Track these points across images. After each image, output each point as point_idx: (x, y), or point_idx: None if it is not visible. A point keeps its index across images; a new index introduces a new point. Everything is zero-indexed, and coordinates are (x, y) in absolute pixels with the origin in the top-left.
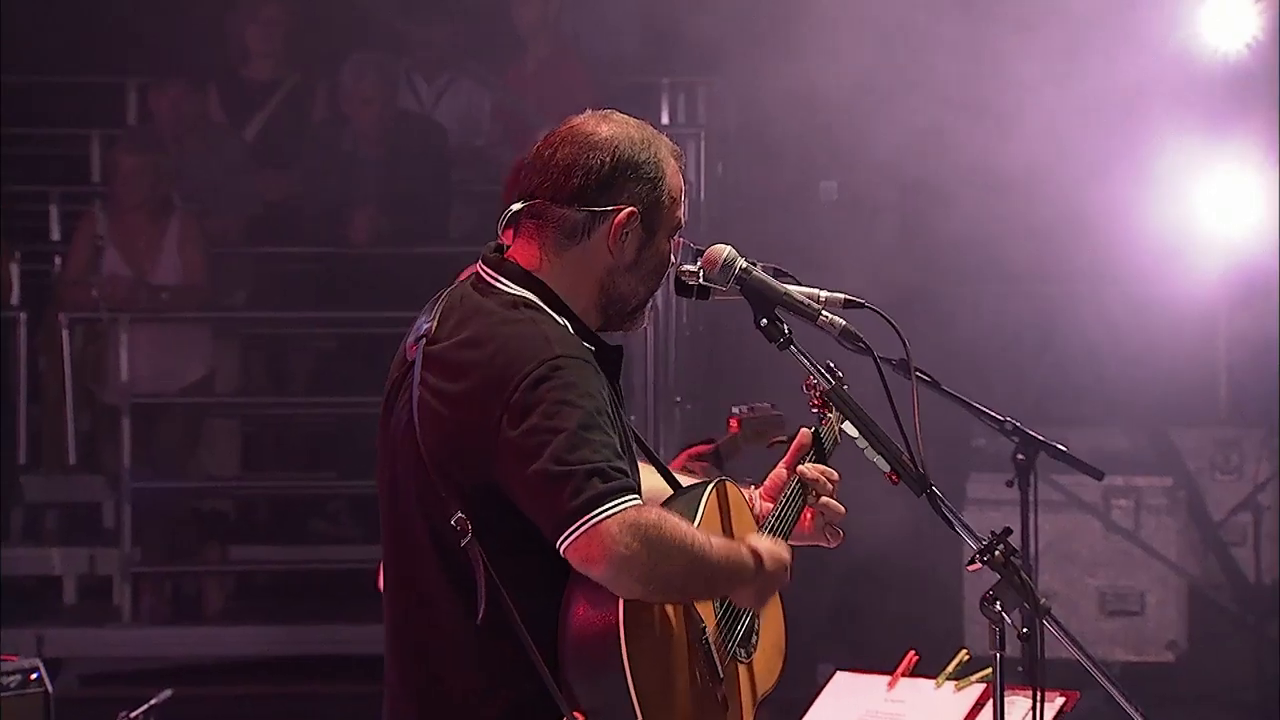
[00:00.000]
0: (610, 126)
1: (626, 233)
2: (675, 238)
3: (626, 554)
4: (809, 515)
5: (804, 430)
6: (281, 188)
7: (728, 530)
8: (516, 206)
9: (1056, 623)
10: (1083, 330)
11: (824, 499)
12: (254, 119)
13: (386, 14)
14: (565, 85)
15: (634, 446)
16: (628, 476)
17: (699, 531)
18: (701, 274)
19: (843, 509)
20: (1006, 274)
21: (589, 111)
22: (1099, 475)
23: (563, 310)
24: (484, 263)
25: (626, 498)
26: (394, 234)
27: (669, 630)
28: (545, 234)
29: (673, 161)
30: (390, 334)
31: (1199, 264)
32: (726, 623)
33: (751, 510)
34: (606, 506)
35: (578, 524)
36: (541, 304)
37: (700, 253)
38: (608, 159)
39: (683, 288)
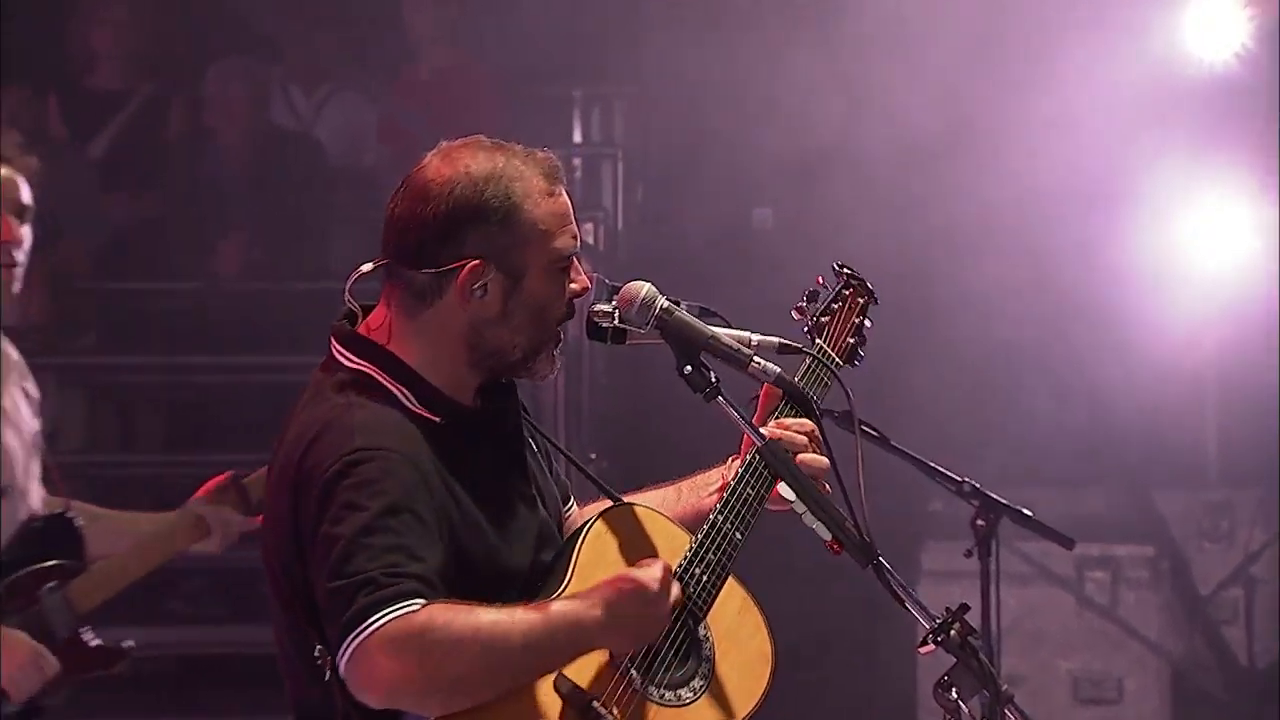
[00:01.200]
0: (451, 166)
1: (479, 286)
2: (571, 266)
3: (389, 675)
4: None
5: (766, 385)
6: (135, 213)
7: (626, 558)
8: (365, 267)
9: (1021, 712)
10: (1052, 377)
11: (800, 456)
12: (101, 134)
13: (257, 15)
14: (464, 98)
15: (540, 510)
16: (409, 578)
17: (500, 611)
18: (617, 314)
19: (825, 461)
20: (967, 317)
21: (443, 145)
22: (1070, 544)
23: (410, 380)
24: (331, 334)
25: (396, 607)
26: (266, 267)
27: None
28: (395, 298)
29: (540, 184)
30: (262, 382)
31: (1184, 302)
32: (644, 668)
33: (703, 504)
34: (368, 623)
35: (342, 648)
36: (381, 379)
37: (615, 290)
38: (442, 208)
39: (595, 330)
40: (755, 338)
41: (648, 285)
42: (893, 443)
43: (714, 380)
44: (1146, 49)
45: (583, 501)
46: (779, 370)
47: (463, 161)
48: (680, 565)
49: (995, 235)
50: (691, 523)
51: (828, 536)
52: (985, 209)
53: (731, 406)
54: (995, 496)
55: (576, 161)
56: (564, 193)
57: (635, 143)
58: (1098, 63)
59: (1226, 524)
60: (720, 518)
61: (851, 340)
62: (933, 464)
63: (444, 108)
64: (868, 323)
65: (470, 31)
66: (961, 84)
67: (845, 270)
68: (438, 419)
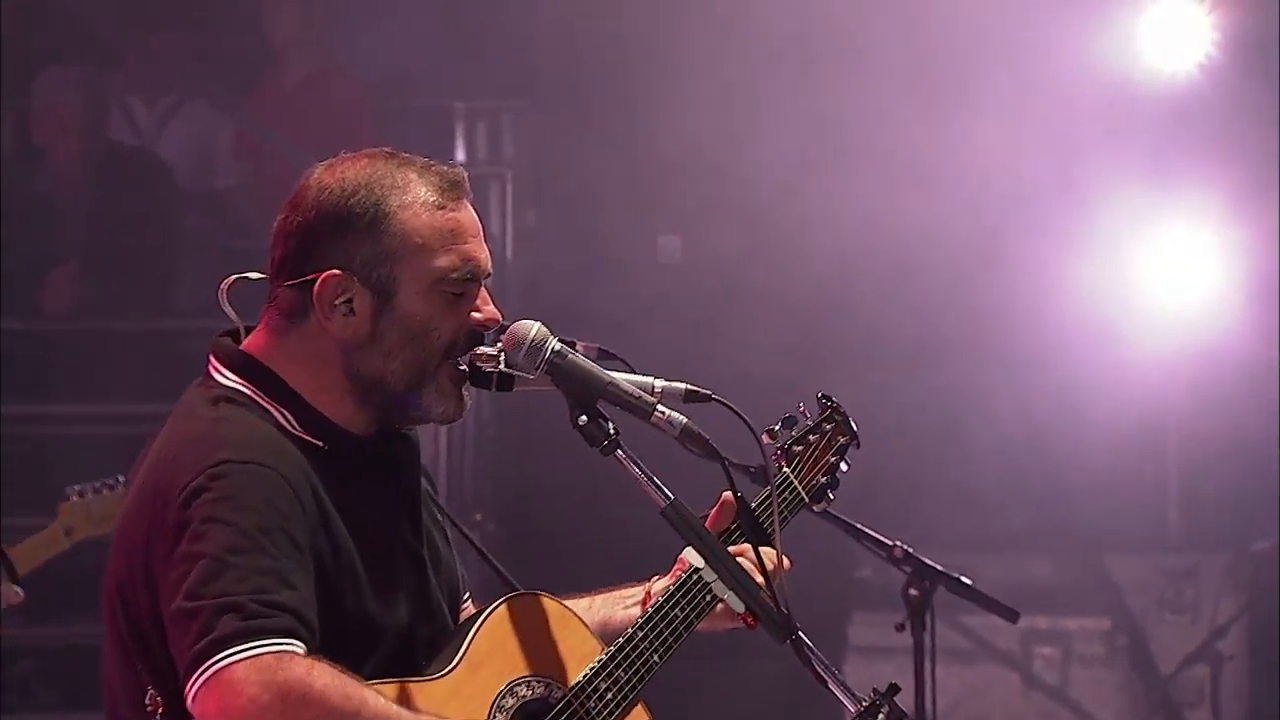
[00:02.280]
0: (329, 174)
1: (342, 301)
2: (468, 291)
3: (251, 706)
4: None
5: (727, 494)
6: None
7: (526, 655)
8: (253, 276)
9: None
10: (995, 429)
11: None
12: None
13: (90, 15)
14: (332, 111)
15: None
16: (284, 612)
17: (371, 694)
18: (503, 357)
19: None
20: (896, 359)
21: (341, 155)
22: (1014, 616)
23: (290, 400)
24: (210, 349)
25: (268, 640)
26: (102, 303)
27: None
28: (269, 316)
29: (427, 195)
30: (97, 435)
31: (1143, 343)
32: None
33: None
34: (239, 648)
35: (199, 671)
36: (257, 397)
37: (502, 329)
38: (305, 217)
39: (479, 376)
40: (659, 384)
41: (538, 324)
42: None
43: (613, 432)
44: (1098, 60)
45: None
46: (685, 421)
47: (342, 169)
48: (584, 676)
49: (927, 269)
50: (601, 638)
51: (741, 608)
52: (917, 241)
53: (633, 461)
54: (930, 562)
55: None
56: (465, 209)
57: (526, 161)
58: (1043, 77)
59: (1190, 593)
60: (639, 634)
61: (823, 479)
62: (859, 525)
63: (310, 121)
64: (844, 466)
65: (339, 35)
66: (893, 105)
67: (830, 403)
68: (320, 443)
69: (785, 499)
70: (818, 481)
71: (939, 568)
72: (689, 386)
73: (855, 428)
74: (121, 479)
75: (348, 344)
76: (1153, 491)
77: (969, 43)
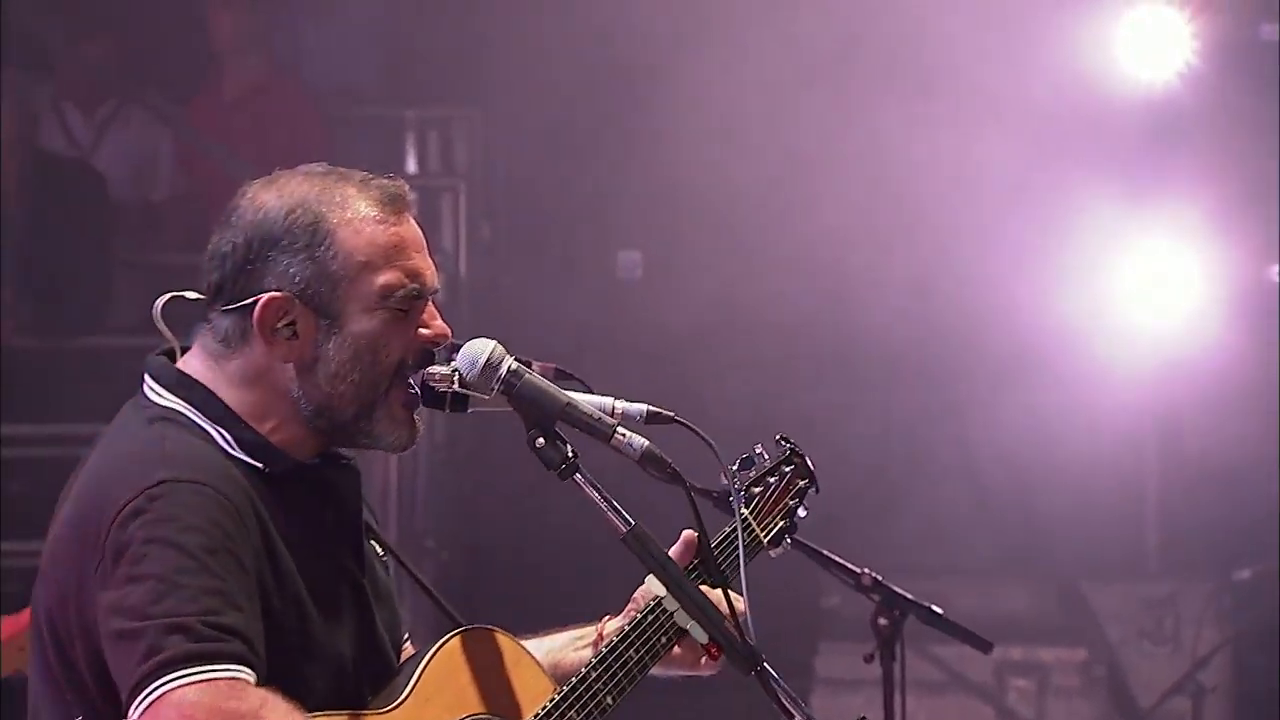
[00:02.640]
0: (267, 191)
1: (284, 325)
2: (415, 308)
3: None
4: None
5: (688, 533)
6: None
7: (478, 691)
8: (167, 296)
9: None
10: (969, 452)
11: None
12: None
13: (22, 18)
14: (277, 120)
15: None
16: (234, 637)
17: None
18: (457, 377)
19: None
20: (864, 378)
21: (275, 174)
22: (987, 647)
23: (230, 422)
24: (145, 367)
25: (220, 666)
26: (34, 323)
27: None
28: (205, 341)
29: (368, 210)
30: (26, 456)
31: (1122, 364)
32: None
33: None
34: (190, 670)
35: (145, 692)
36: (195, 418)
37: (456, 348)
38: (241, 239)
39: (432, 396)
40: (619, 405)
41: (493, 343)
42: None
43: (571, 455)
44: (1075, 69)
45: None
46: (646, 444)
47: (279, 186)
48: (536, 717)
49: (897, 286)
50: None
51: (704, 639)
52: (886, 256)
53: (591, 485)
54: (900, 591)
55: (411, 195)
56: (407, 224)
57: (480, 173)
58: (1017, 87)
59: (1171, 623)
60: (593, 674)
61: (782, 523)
62: (826, 552)
63: (254, 132)
64: (803, 511)
65: (285, 42)
66: (861, 116)
67: (789, 445)
68: (262, 466)
69: (743, 542)
70: (776, 525)
71: (909, 596)
72: (650, 408)
73: (814, 470)
74: None
75: (293, 368)
76: (1131, 517)
77: (940, 52)
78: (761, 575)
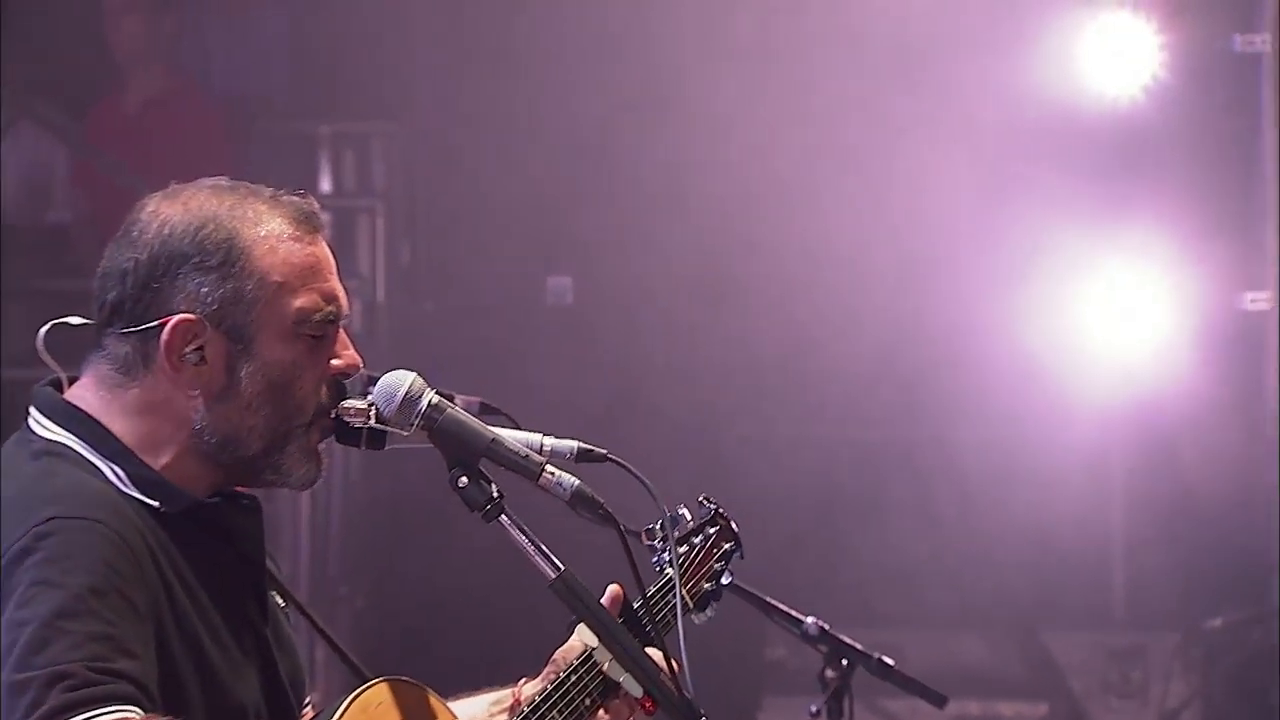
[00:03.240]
0: (170, 206)
1: (193, 350)
2: (328, 335)
3: None
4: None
5: (614, 588)
6: None
7: None
8: (74, 321)
9: None
10: (922, 492)
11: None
12: None
13: None
14: (181, 135)
15: (269, 642)
16: (122, 678)
17: None
18: (373, 412)
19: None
20: (811, 412)
21: (171, 188)
22: (941, 701)
23: (121, 456)
24: (31, 399)
25: (106, 708)
26: None
27: None
28: (98, 370)
29: (282, 228)
30: None
31: (1085, 397)
32: None
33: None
34: (73, 718)
35: None
36: (84, 452)
37: (373, 380)
38: (144, 256)
39: (346, 431)
40: (549, 442)
41: (413, 375)
42: None
43: (496, 495)
44: (1034, 84)
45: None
46: (577, 483)
47: (184, 200)
48: None
49: (847, 315)
50: None
51: (639, 692)
52: (835, 283)
53: (518, 528)
54: (848, 641)
55: (325, 216)
56: (321, 244)
57: (400, 192)
58: (972, 103)
59: (1138, 675)
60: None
61: (707, 586)
62: (770, 599)
63: (154, 146)
64: (726, 578)
65: (192, 52)
66: (808, 137)
67: (713, 506)
68: (156, 504)
69: (668, 605)
70: (702, 588)
71: (858, 647)
72: (581, 445)
73: (738, 532)
74: None
75: (199, 398)
76: (1096, 561)
77: (887, 68)
78: (701, 624)
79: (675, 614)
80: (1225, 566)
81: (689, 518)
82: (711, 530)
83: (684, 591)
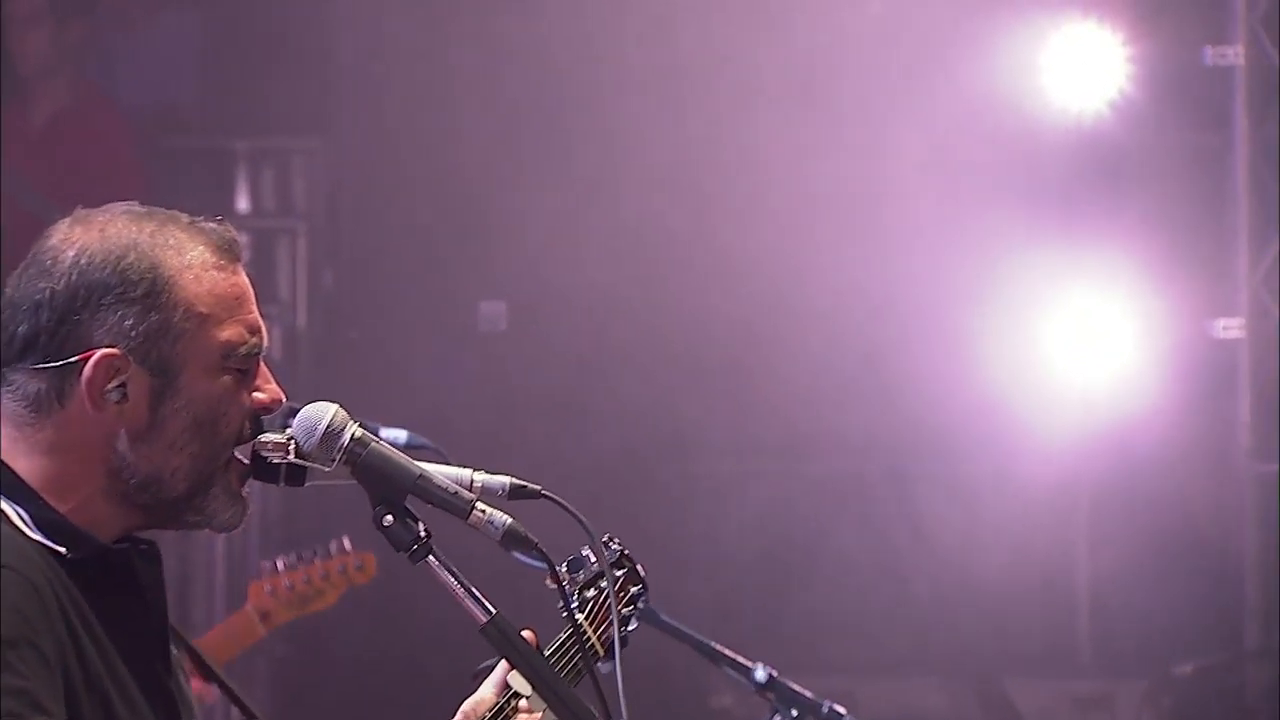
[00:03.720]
0: (84, 233)
1: (115, 387)
2: (251, 369)
3: None
4: None
5: (527, 632)
6: None
7: None
8: None
9: None
10: (878, 531)
11: None
12: None
13: None
14: (88, 152)
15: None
16: None
17: None
18: (293, 446)
19: None
20: (759, 446)
21: (78, 212)
22: None
23: (26, 498)
24: None
25: None
26: None
27: None
28: (6, 405)
29: (205, 257)
30: None
31: (1048, 429)
32: None
33: None
34: None
35: None
36: None
37: (293, 413)
38: (60, 286)
39: (264, 468)
40: (479, 478)
41: (334, 407)
42: (663, 617)
43: (423, 535)
44: (995, 99)
45: None
46: (509, 520)
47: (99, 227)
48: None
49: (797, 343)
50: None
51: None
52: (784, 309)
53: (446, 569)
54: (798, 688)
55: (243, 237)
56: (242, 274)
57: (321, 213)
58: (929, 118)
59: None
60: None
61: (617, 631)
62: (715, 645)
63: (65, 164)
64: (634, 623)
65: (98, 63)
66: (752, 151)
67: (619, 548)
68: (62, 550)
69: (578, 652)
70: (610, 634)
71: (808, 695)
72: (514, 480)
73: (644, 575)
74: (317, 551)
75: (121, 439)
76: (1059, 604)
77: (841, 78)
78: (642, 669)
79: (586, 662)
80: (1196, 608)
81: (592, 559)
82: (618, 573)
83: (594, 637)
